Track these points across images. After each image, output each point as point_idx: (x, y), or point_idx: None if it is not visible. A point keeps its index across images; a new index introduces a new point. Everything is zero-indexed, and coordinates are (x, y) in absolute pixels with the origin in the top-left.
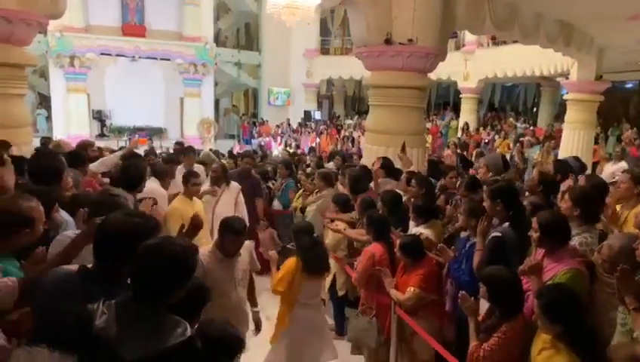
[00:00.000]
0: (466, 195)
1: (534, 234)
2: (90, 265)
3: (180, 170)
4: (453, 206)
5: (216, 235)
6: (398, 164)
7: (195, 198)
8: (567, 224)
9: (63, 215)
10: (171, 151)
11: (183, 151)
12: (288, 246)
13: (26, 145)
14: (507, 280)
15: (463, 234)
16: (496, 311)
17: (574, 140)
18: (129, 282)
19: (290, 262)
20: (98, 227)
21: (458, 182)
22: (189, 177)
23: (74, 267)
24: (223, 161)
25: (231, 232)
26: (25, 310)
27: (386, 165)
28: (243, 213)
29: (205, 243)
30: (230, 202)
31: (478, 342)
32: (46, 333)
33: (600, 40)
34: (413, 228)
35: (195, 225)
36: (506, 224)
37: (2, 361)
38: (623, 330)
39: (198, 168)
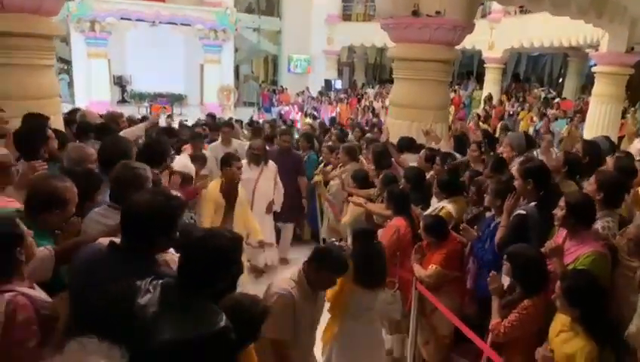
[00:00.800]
0: (492, 176)
1: (559, 213)
2: (118, 241)
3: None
4: (475, 188)
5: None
6: (422, 139)
7: None
8: (594, 206)
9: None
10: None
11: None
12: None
13: (55, 116)
14: (533, 258)
15: (488, 214)
16: (518, 288)
17: (601, 114)
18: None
19: None
20: (125, 207)
21: (481, 158)
22: (230, 160)
23: (105, 241)
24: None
25: (330, 269)
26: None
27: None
28: (281, 193)
29: (243, 223)
30: (270, 182)
31: (499, 319)
32: (84, 312)
33: (634, 9)
34: (436, 204)
35: (231, 192)
36: (533, 203)
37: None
38: None
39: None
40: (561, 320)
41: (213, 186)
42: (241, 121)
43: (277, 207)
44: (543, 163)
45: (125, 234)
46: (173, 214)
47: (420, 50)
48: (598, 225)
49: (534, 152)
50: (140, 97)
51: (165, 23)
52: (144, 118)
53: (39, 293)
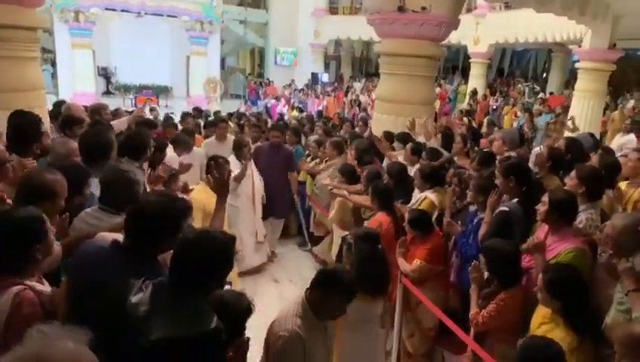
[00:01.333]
0: (478, 169)
1: (542, 208)
2: (121, 240)
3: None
4: (457, 181)
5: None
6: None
7: None
8: (576, 203)
9: (93, 189)
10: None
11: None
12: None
13: (41, 108)
14: (505, 251)
15: (472, 209)
16: (494, 281)
17: (584, 109)
18: (158, 260)
19: None
20: (131, 208)
21: (465, 152)
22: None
23: (109, 237)
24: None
25: (341, 295)
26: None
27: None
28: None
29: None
30: (258, 177)
31: (477, 309)
32: (82, 307)
33: (616, 6)
34: (418, 195)
35: (221, 183)
36: (515, 200)
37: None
38: (619, 308)
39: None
40: (542, 312)
41: (199, 192)
42: (230, 114)
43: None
44: (524, 161)
45: (129, 234)
46: (179, 216)
47: (406, 46)
48: (582, 217)
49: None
50: (125, 89)
51: (151, 14)
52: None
53: (46, 287)
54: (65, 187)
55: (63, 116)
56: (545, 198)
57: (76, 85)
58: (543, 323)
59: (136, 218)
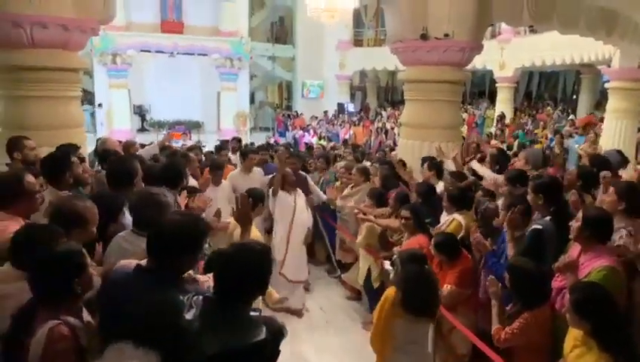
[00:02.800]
0: (507, 185)
1: (575, 225)
2: (144, 264)
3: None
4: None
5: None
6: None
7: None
8: (611, 223)
9: (127, 218)
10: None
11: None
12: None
13: (81, 144)
14: (529, 271)
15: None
16: (518, 301)
17: (616, 130)
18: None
19: (388, 292)
20: (153, 228)
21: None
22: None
23: (132, 264)
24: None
25: None
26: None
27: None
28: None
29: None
30: (305, 209)
31: (501, 325)
32: (122, 328)
33: None
34: (445, 217)
35: (245, 213)
36: (547, 218)
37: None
38: None
39: None
40: (574, 335)
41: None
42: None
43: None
44: (555, 178)
45: (151, 254)
46: (199, 235)
47: (430, 72)
48: (623, 233)
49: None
50: (159, 125)
51: (183, 54)
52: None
53: (79, 322)
54: (96, 214)
55: (100, 150)
56: (579, 215)
57: (113, 123)
58: (575, 346)
59: (157, 238)
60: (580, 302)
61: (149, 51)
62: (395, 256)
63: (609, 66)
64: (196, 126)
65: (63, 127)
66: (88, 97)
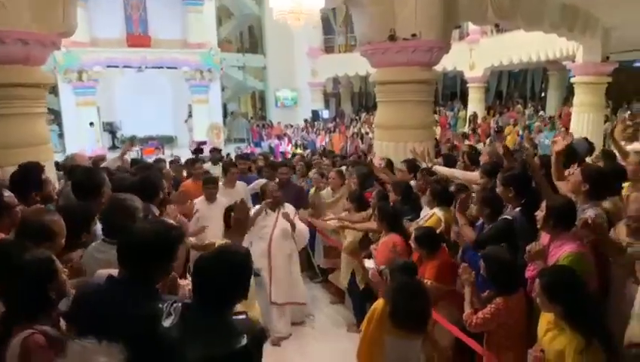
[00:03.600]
0: (483, 178)
1: (540, 214)
2: (116, 275)
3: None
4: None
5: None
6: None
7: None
8: (574, 210)
9: (98, 228)
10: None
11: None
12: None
13: (48, 162)
14: (503, 259)
15: (480, 222)
16: (494, 287)
17: (584, 123)
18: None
19: (377, 304)
20: (123, 236)
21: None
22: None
23: (105, 273)
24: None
25: None
26: None
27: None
28: (303, 235)
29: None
30: (287, 229)
31: (472, 310)
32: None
33: (606, 20)
34: (425, 212)
35: (240, 219)
36: (517, 209)
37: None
38: None
39: None
40: (546, 319)
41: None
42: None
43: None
44: (524, 171)
45: (122, 263)
46: (171, 242)
47: (400, 73)
48: (591, 213)
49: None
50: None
51: (151, 68)
52: (135, 161)
53: (56, 332)
54: (63, 226)
55: (69, 166)
56: (543, 205)
57: (82, 141)
58: (549, 329)
59: (127, 246)
60: (550, 286)
61: (117, 67)
62: (383, 267)
63: (574, 62)
64: (169, 140)
65: (32, 145)
66: (54, 117)
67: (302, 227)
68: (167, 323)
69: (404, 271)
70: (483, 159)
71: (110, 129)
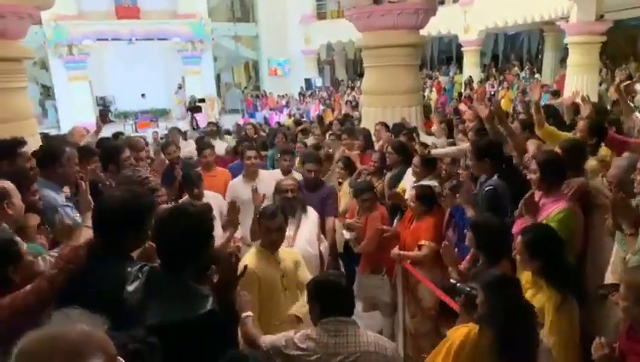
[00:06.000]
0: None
1: (534, 176)
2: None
3: None
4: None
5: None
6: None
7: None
8: (564, 162)
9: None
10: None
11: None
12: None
13: (32, 137)
14: (492, 226)
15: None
16: (482, 258)
17: (578, 84)
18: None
19: (457, 334)
20: (97, 203)
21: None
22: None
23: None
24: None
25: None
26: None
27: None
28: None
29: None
30: (312, 240)
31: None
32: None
33: None
34: (412, 180)
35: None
36: (496, 176)
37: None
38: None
39: None
40: (524, 278)
41: (252, 257)
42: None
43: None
44: (494, 140)
45: (95, 232)
46: (142, 210)
47: (386, 37)
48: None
49: None
50: (125, 116)
51: (142, 40)
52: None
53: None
54: (14, 187)
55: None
56: (533, 165)
57: (76, 116)
58: (527, 288)
59: (97, 214)
60: (532, 242)
61: (106, 40)
62: (468, 288)
63: (568, 22)
64: (163, 113)
65: (14, 120)
66: (48, 92)
67: (327, 244)
68: (131, 287)
69: (504, 285)
70: (466, 117)
71: (103, 103)
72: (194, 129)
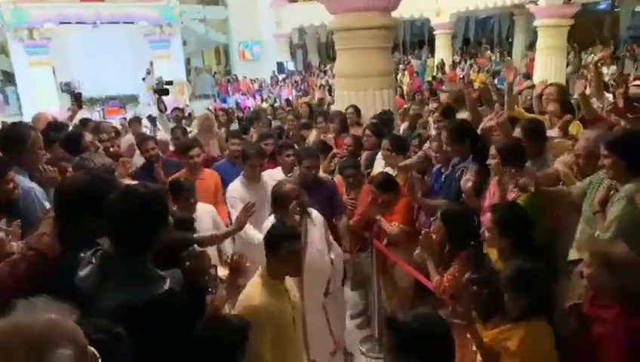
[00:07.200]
0: (441, 120)
1: (493, 162)
2: None
3: None
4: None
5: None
6: (370, 109)
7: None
8: (523, 146)
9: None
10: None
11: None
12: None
13: None
14: (463, 215)
15: (436, 167)
16: (448, 245)
17: (547, 67)
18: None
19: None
20: (57, 187)
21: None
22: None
23: None
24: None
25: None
26: None
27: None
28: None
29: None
30: (322, 246)
31: (440, 275)
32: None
33: None
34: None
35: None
36: (470, 157)
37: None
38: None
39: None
40: (491, 256)
41: (255, 290)
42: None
43: (333, 286)
44: (466, 120)
45: (56, 214)
46: (101, 193)
47: (357, 19)
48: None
49: None
50: (91, 102)
51: (107, 23)
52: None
53: None
54: None
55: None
56: (493, 151)
57: (39, 103)
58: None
59: (57, 197)
60: (502, 219)
61: (69, 23)
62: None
63: (537, 5)
64: (132, 100)
65: None
66: (9, 78)
67: (339, 252)
68: (83, 272)
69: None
70: (442, 97)
71: (68, 89)
72: (161, 112)
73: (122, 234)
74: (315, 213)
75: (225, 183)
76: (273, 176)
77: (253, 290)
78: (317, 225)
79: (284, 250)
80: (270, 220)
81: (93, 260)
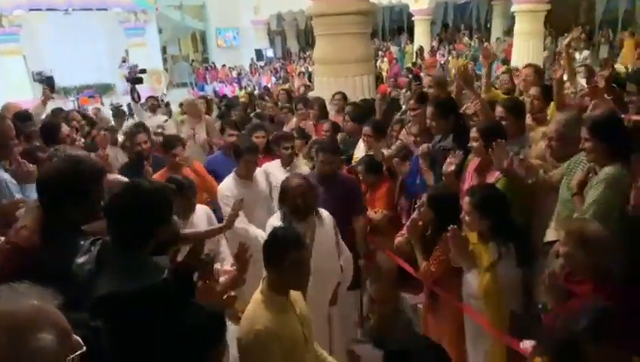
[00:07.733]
0: (416, 108)
1: (475, 144)
2: None
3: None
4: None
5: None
6: (350, 95)
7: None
8: (504, 128)
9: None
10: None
11: None
12: None
13: None
14: (451, 200)
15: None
16: (431, 227)
17: (525, 51)
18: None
19: None
20: (39, 174)
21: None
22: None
23: None
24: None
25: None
26: None
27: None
28: (349, 265)
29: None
30: (331, 249)
31: (426, 262)
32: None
33: None
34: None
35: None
36: (450, 137)
37: None
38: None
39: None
40: (471, 238)
41: (258, 306)
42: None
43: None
44: (451, 97)
45: (40, 203)
46: (82, 178)
47: (336, 4)
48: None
49: None
50: (65, 92)
51: (79, 10)
52: (57, 111)
53: None
54: None
55: None
56: (474, 133)
57: (10, 94)
58: (472, 249)
59: (38, 185)
60: (481, 201)
61: (40, 10)
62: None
63: None
64: (108, 89)
65: None
66: None
67: (348, 254)
68: (81, 259)
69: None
70: (425, 82)
71: (40, 79)
72: (135, 101)
73: (118, 228)
74: (325, 212)
75: (219, 176)
76: (270, 169)
77: (255, 310)
78: (326, 227)
79: (286, 261)
80: (276, 216)
81: (92, 249)
